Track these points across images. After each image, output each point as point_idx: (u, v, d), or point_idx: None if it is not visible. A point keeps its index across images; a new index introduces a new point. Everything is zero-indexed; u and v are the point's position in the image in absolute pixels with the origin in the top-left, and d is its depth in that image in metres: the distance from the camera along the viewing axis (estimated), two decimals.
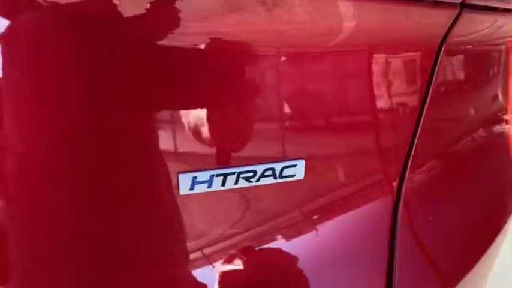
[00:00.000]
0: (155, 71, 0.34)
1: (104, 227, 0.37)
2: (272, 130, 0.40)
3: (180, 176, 0.36)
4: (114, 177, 0.36)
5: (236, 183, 0.38)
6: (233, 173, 0.38)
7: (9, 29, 0.30)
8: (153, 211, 0.38)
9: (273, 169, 0.39)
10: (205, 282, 0.41)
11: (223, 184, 0.38)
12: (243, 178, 0.38)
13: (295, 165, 0.39)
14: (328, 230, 0.46)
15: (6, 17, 0.30)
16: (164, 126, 0.36)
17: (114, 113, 0.34)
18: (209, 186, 0.37)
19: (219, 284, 0.42)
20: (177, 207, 0.38)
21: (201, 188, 0.37)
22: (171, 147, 0.36)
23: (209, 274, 0.42)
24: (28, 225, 0.36)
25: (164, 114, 0.35)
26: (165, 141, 0.36)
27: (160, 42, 0.33)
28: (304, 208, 0.45)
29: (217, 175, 0.37)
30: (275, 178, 0.39)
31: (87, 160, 0.35)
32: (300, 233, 0.46)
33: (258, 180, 0.39)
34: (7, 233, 0.35)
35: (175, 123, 0.36)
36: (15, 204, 0.35)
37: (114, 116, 0.34)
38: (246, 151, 0.39)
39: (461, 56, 0.53)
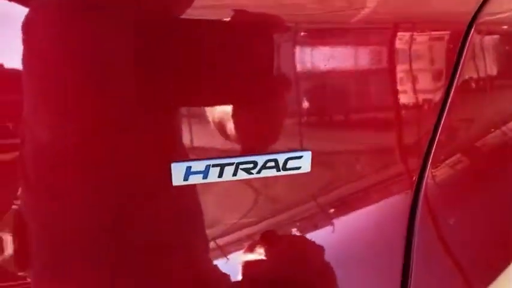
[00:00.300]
0: (160, 51, 0.32)
1: (122, 218, 0.36)
2: (284, 120, 0.37)
3: (173, 165, 0.33)
4: (132, 167, 0.35)
5: (235, 174, 0.35)
6: (231, 164, 0.34)
7: (26, 15, 0.29)
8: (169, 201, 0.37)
9: (275, 160, 0.35)
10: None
11: (220, 175, 0.34)
12: (243, 169, 0.35)
13: (300, 157, 0.36)
14: (338, 227, 0.43)
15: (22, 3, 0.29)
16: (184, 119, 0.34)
17: (133, 97, 0.33)
18: (205, 177, 0.34)
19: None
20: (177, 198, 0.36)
21: (196, 179, 0.34)
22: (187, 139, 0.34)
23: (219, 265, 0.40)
24: (47, 213, 0.35)
25: (184, 107, 0.34)
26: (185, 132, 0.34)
27: (172, 16, 0.31)
28: (314, 202, 0.42)
29: (214, 165, 0.34)
30: (278, 170, 0.36)
31: (108, 149, 0.34)
32: (308, 229, 0.43)
33: (259, 172, 0.35)
34: (28, 221, 0.35)
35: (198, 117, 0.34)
36: (36, 195, 0.35)
37: (133, 101, 0.33)
38: (260, 141, 0.36)
39: (494, 38, 0.48)
